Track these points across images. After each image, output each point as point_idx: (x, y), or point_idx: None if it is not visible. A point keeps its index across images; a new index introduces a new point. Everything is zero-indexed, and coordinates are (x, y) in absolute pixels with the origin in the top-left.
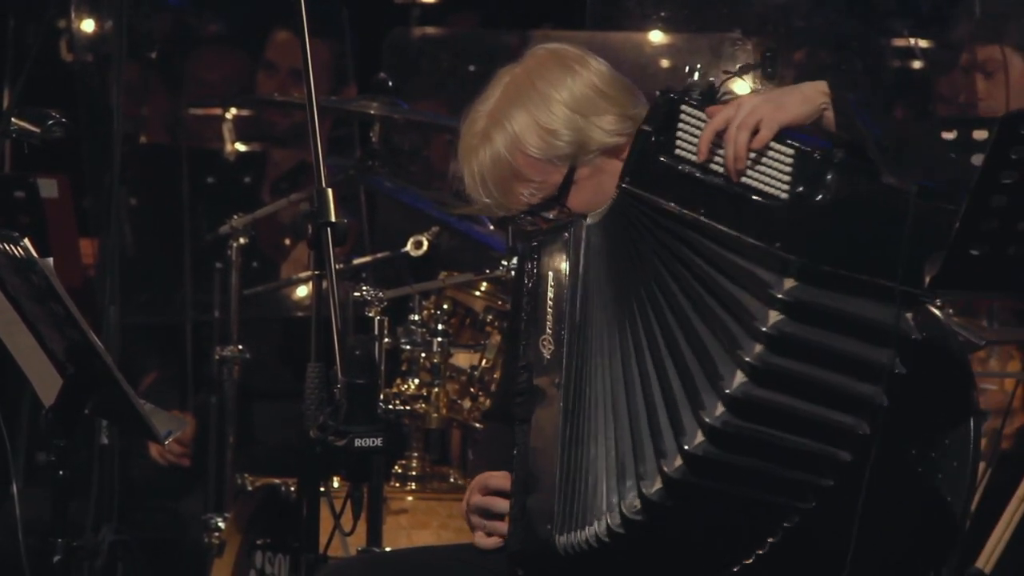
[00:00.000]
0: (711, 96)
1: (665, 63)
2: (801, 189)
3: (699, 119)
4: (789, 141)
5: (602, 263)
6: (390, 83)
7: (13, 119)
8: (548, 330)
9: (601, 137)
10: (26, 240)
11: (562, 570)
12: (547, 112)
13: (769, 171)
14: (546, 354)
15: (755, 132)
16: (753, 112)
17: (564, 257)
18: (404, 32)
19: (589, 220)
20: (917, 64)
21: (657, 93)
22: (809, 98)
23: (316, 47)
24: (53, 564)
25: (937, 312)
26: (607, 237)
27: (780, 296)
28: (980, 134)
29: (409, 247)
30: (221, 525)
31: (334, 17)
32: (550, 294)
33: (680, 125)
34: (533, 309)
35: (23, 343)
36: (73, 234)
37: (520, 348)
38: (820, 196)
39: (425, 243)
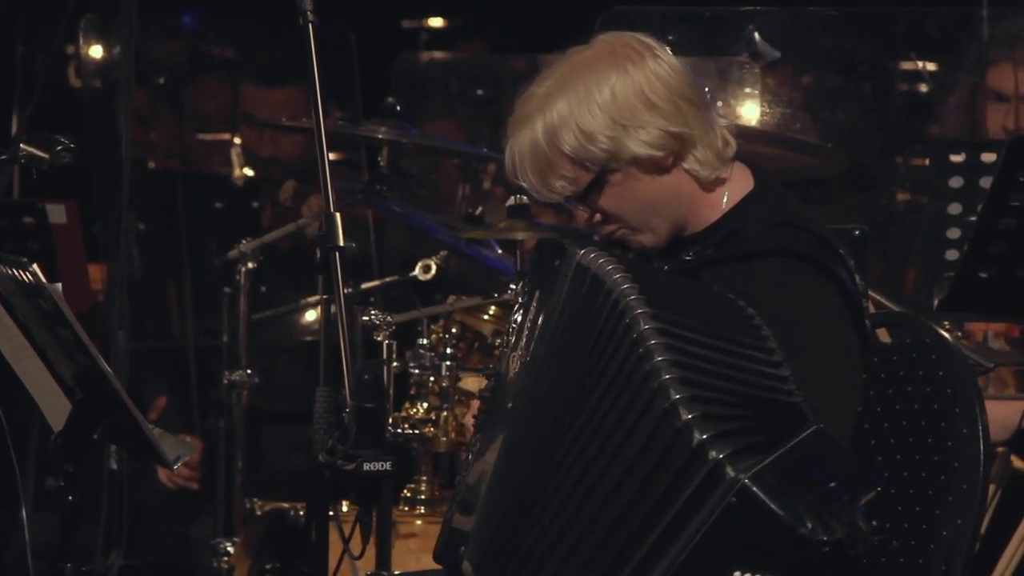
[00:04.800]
0: None
1: None
2: None
3: None
4: None
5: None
6: (398, 108)
7: (22, 145)
8: (520, 348)
9: (637, 148)
10: (35, 265)
11: None
12: (588, 113)
13: None
14: (511, 372)
15: None
16: None
17: (552, 284)
18: (412, 57)
19: (582, 258)
20: (924, 87)
21: None
22: None
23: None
24: None
25: (946, 335)
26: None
27: None
28: (988, 157)
29: (418, 271)
30: (230, 550)
31: (342, 42)
32: (531, 314)
33: None
34: (520, 320)
35: (32, 368)
36: (82, 259)
37: (500, 353)
38: None
39: (434, 267)
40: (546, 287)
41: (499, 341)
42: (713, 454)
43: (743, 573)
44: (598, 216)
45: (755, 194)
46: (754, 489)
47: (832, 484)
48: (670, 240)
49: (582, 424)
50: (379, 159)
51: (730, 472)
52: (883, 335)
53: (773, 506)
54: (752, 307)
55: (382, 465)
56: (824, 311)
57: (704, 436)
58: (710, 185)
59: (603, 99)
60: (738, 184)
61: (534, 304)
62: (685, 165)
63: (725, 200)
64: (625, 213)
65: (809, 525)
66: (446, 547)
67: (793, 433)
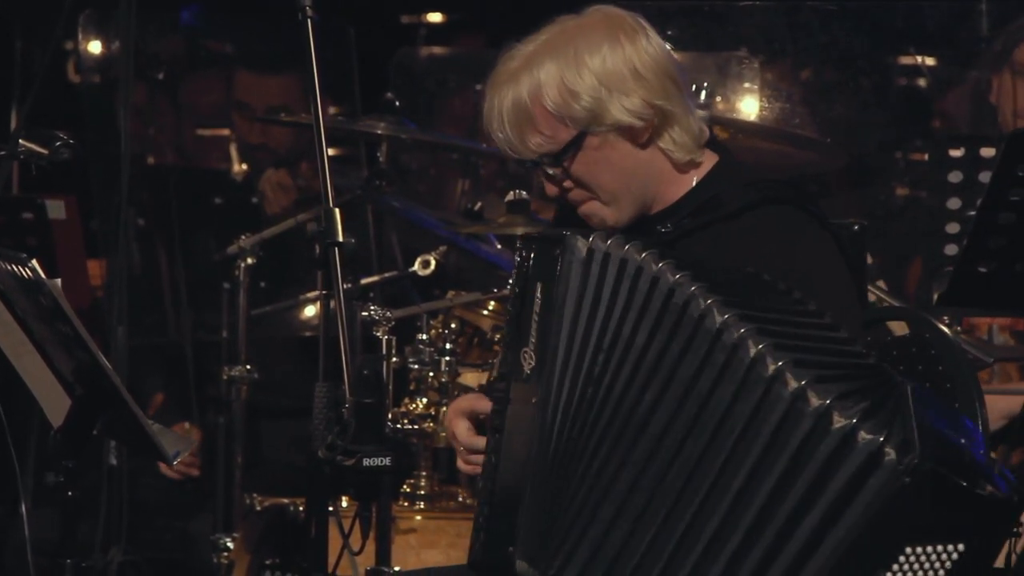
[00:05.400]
0: None
1: None
2: None
3: None
4: None
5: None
6: (397, 103)
7: (21, 140)
8: (531, 342)
9: (619, 114)
10: (34, 261)
11: None
12: (575, 73)
13: None
14: (526, 367)
15: None
16: None
17: (557, 274)
18: (411, 52)
19: (593, 244)
20: (923, 82)
21: None
22: None
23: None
24: None
25: (946, 330)
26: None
27: None
28: (988, 151)
29: (417, 266)
30: (230, 545)
31: (341, 37)
32: (536, 307)
33: None
34: (518, 316)
35: (32, 364)
36: (81, 255)
37: (502, 353)
38: None
39: (433, 262)
40: (549, 278)
41: (498, 336)
42: (864, 435)
43: (914, 548)
44: (568, 182)
45: (721, 165)
46: (930, 466)
47: (963, 440)
48: (633, 220)
49: (667, 416)
50: (378, 155)
51: (890, 453)
52: (898, 327)
53: (955, 478)
54: (753, 260)
55: (381, 460)
56: (827, 249)
57: (853, 420)
58: (684, 167)
59: (593, 64)
60: (708, 167)
61: (537, 296)
62: (662, 144)
63: (695, 182)
64: (597, 182)
65: (988, 487)
66: (488, 552)
67: (901, 396)
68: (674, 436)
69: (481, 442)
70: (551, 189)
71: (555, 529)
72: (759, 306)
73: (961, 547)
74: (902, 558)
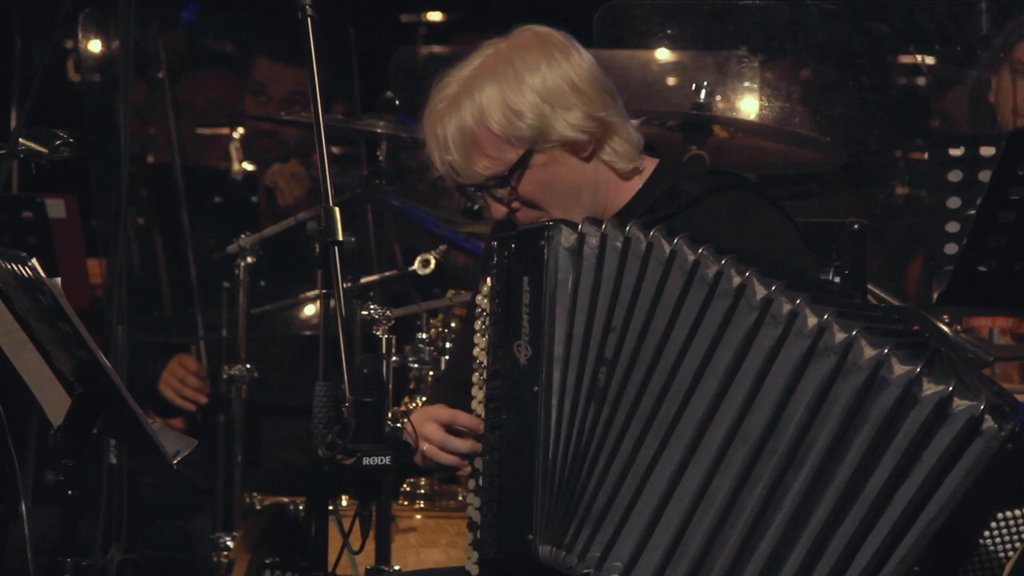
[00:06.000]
0: None
1: (672, 81)
2: None
3: None
4: None
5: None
6: (397, 102)
7: (21, 139)
8: (524, 335)
9: (563, 130)
10: (34, 260)
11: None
12: (517, 93)
13: None
14: (522, 359)
15: None
16: None
17: (545, 265)
18: (411, 51)
19: (565, 240)
20: (923, 81)
21: None
22: None
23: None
24: None
25: (946, 329)
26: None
27: None
28: (987, 150)
29: (416, 265)
30: (230, 544)
31: (341, 36)
32: (525, 300)
33: None
34: (505, 312)
35: (32, 363)
36: (81, 254)
37: (491, 352)
38: None
39: (432, 261)
40: (536, 270)
41: (483, 339)
42: (960, 402)
43: (1004, 512)
44: (516, 203)
45: (663, 165)
46: None
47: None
48: None
49: (712, 394)
50: (378, 153)
51: (989, 420)
52: None
53: None
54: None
55: (381, 459)
56: (783, 225)
57: (949, 387)
58: (627, 175)
59: (533, 82)
60: (650, 170)
61: (525, 289)
62: (604, 156)
63: (642, 185)
64: (546, 199)
65: None
66: (505, 544)
67: (959, 363)
68: (726, 414)
69: (457, 442)
70: (498, 211)
71: (581, 512)
72: (789, 277)
73: None
74: (993, 524)
